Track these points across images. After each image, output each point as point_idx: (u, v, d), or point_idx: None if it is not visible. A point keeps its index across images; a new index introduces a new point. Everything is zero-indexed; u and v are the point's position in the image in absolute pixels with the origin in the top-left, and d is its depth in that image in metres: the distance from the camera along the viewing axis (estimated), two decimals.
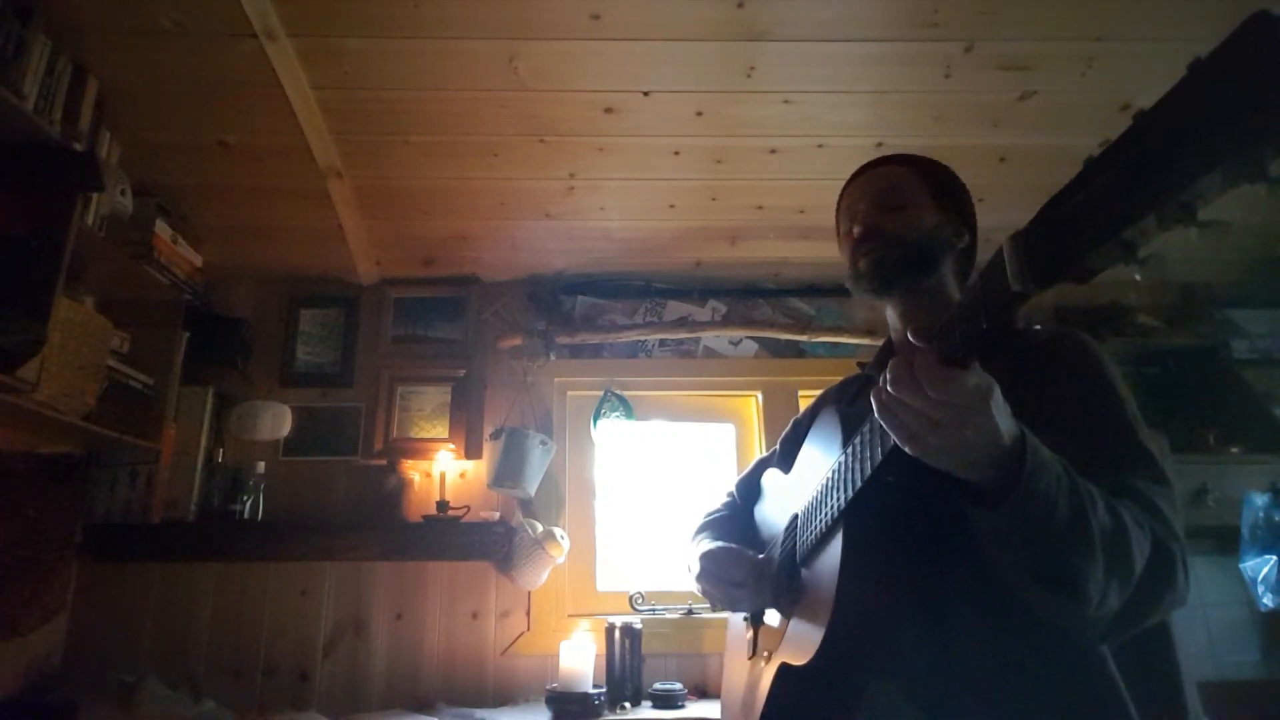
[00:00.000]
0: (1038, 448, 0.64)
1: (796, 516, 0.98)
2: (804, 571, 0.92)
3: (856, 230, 1.02)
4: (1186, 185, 0.40)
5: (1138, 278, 0.44)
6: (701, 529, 1.29)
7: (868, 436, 0.75)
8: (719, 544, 1.12)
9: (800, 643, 0.85)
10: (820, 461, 0.94)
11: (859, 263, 1.01)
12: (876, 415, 0.65)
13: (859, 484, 0.76)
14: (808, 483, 0.97)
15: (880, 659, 0.78)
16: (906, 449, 0.63)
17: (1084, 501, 0.64)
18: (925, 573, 0.77)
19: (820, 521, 0.86)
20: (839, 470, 0.83)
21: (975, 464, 0.63)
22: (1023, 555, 0.66)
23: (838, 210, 1.11)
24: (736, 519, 1.29)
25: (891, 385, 0.62)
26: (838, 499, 0.81)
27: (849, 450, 0.80)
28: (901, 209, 1.01)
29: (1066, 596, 0.65)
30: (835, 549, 0.81)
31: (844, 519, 0.80)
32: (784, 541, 1.01)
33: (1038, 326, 0.97)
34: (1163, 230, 0.42)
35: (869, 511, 0.78)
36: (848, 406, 1.07)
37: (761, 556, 1.07)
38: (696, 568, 1.12)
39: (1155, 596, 0.68)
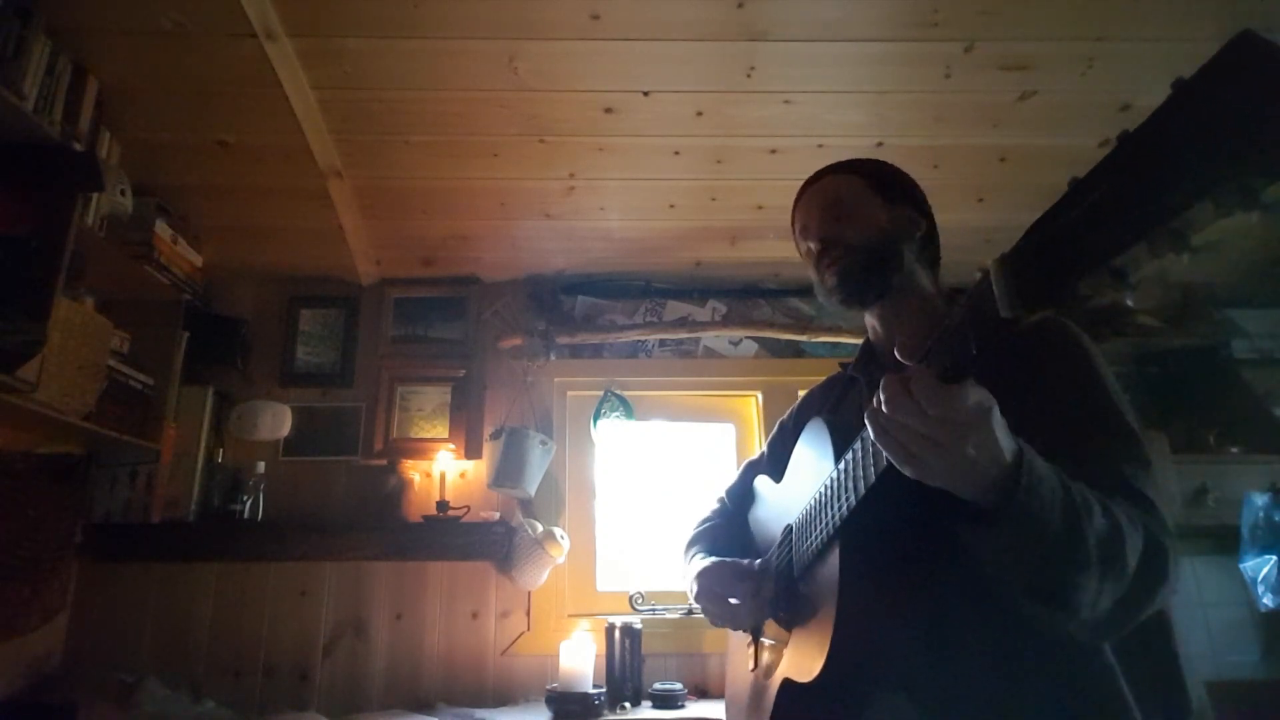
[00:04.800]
0: (1034, 463, 0.62)
1: (790, 528, 0.98)
2: (801, 585, 0.92)
3: (814, 246, 1.02)
4: (1178, 213, 0.39)
5: (1130, 303, 0.43)
6: (694, 541, 1.27)
7: (859, 455, 0.74)
8: (714, 560, 1.11)
9: (803, 659, 0.85)
10: (811, 473, 0.94)
11: (826, 278, 1.01)
12: (872, 437, 0.63)
13: (854, 502, 0.75)
14: (799, 494, 0.97)
15: (883, 669, 0.78)
16: (905, 471, 0.62)
17: (1079, 513, 0.64)
18: (924, 582, 0.77)
19: (815, 537, 0.86)
20: (831, 486, 0.82)
21: (976, 483, 0.61)
22: (1015, 570, 0.66)
23: (794, 231, 1.11)
24: (729, 526, 1.28)
25: (888, 406, 0.60)
26: (832, 515, 0.81)
27: (840, 466, 0.80)
28: (851, 215, 1.01)
29: (1056, 608, 0.65)
30: (833, 564, 0.81)
31: (840, 535, 0.80)
32: (779, 554, 1.01)
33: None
34: (1155, 258, 0.42)
35: (864, 525, 0.78)
36: (832, 413, 1.07)
37: (758, 567, 1.06)
38: (694, 586, 1.11)
39: (1149, 592, 0.68)
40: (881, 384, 0.61)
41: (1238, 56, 0.37)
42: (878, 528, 0.78)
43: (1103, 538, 0.64)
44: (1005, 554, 0.65)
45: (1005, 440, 0.61)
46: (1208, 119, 0.38)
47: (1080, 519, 0.63)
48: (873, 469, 0.71)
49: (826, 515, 0.83)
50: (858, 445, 0.75)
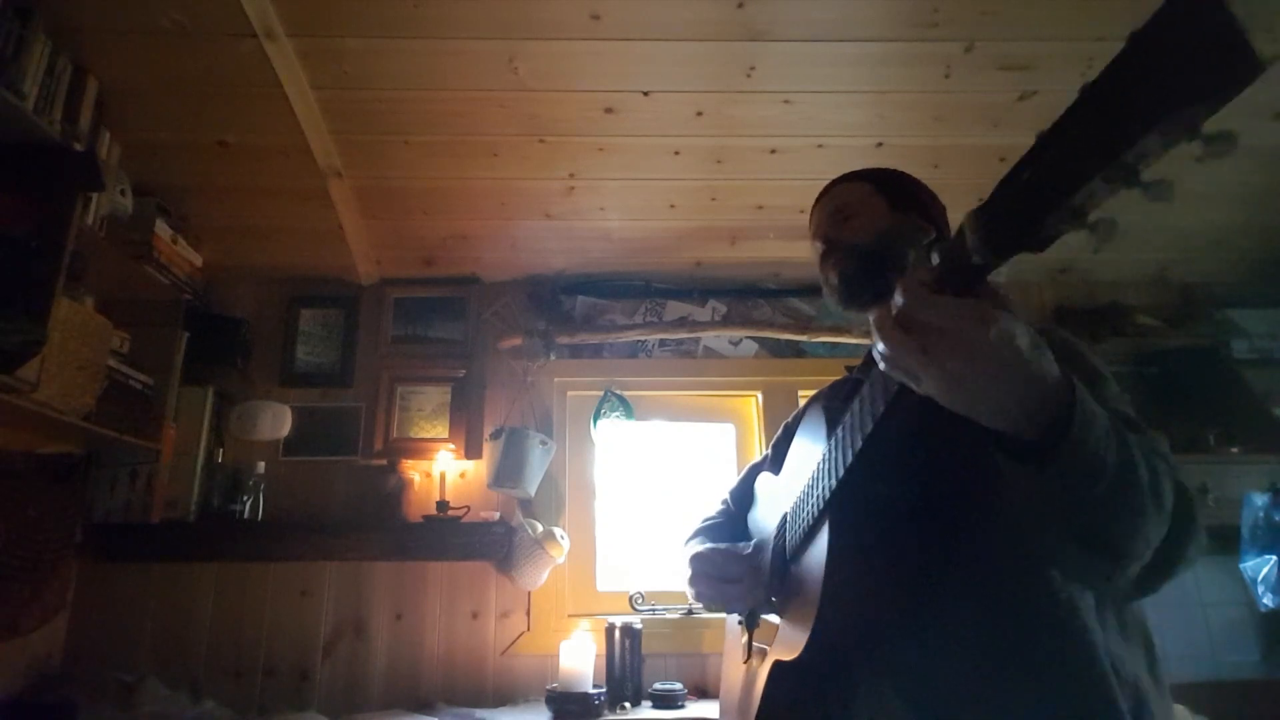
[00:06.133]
0: (1086, 396, 0.57)
1: (786, 515, 0.98)
2: (793, 568, 0.92)
3: (820, 246, 1.07)
4: (1128, 147, 0.42)
5: (1095, 252, 0.45)
6: (693, 535, 1.29)
7: (849, 424, 0.74)
8: (709, 545, 1.12)
9: (791, 639, 0.85)
10: (807, 458, 0.95)
11: (829, 277, 1.04)
12: (880, 365, 0.60)
13: (842, 472, 0.75)
14: (796, 481, 0.98)
15: (870, 655, 0.78)
16: (919, 387, 0.57)
17: (1132, 452, 0.59)
18: (912, 565, 0.77)
19: (807, 515, 0.86)
20: (824, 462, 0.82)
21: (1005, 406, 0.56)
22: (1068, 517, 0.61)
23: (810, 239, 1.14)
24: (731, 525, 1.28)
25: (904, 294, 0.56)
26: (823, 490, 0.81)
27: (832, 441, 0.80)
28: (854, 218, 1.04)
29: (1110, 558, 0.62)
30: (821, 543, 0.81)
31: (829, 511, 0.80)
32: (775, 540, 1.01)
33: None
34: (1110, 193, 0.44)
35: (854, 502, 0.78)
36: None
37: (752, 552, 1.07)
38: (688, 570, 1.12)
39: (1183, 545, 0.65)
40: (873, 320, 0.59)
41: (1180, 3, 0.41)
42: (867, 505, 0.78)
43: (1149, 483, 0.60)
44: (1058, 498, 0.59)
45: (1036, 356, 0.55)
46: (1155, 60, 0.41)
47: (1135, 459, 0.60)
48: (860, 436, 0.70)
49: (816, 493, 0.83)
50: (847, 417, 0.75)
